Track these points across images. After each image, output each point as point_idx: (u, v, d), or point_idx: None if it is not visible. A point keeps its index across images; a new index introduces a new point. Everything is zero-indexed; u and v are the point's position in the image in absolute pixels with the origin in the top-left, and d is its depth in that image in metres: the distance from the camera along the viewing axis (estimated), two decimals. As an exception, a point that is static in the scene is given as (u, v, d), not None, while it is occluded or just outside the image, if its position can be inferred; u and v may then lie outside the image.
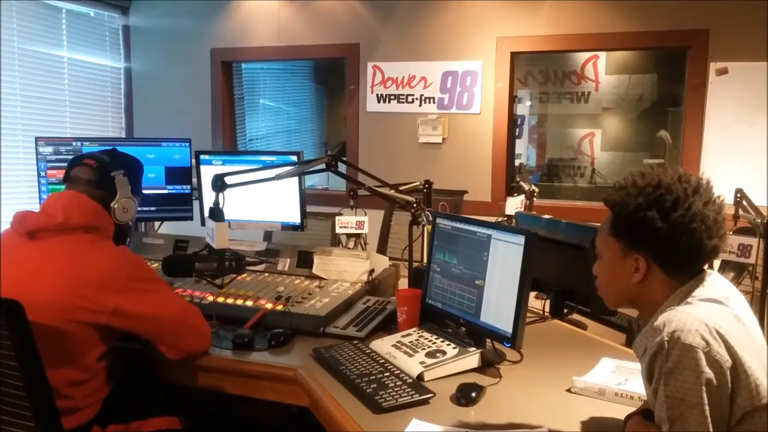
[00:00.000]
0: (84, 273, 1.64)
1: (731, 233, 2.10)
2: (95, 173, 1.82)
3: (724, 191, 1.26)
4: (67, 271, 1.64)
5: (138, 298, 1.68)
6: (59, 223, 1.69)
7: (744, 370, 1.14)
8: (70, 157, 1.99)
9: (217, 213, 1.96)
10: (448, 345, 1.83)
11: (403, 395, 1.55)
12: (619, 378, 1.65)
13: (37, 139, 2.95)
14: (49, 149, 2.92)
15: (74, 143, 2.97)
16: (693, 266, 1.25)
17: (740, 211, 2.67)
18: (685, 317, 1.15)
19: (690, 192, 1.20)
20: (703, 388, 1.11)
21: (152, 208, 2.97)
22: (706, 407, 1.11)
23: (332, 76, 6.63)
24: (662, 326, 1.16)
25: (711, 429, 1.12)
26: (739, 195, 2.69)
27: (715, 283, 1.24)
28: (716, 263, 1.36)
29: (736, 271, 2.34)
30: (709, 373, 1.11)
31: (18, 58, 4.26)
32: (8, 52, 4.19)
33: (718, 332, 1.13)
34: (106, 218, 1.80)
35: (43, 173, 2.92)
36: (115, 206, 1.84)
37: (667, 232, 1.20)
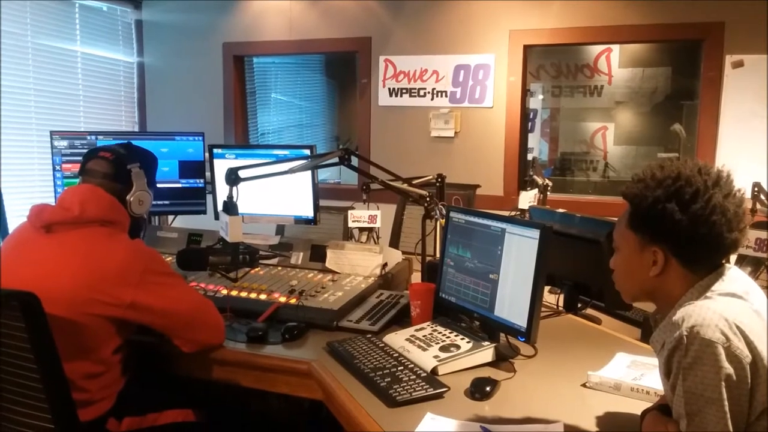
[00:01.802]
0: (100, 266, 1.65)
1: (749, 227, 2.07)
2: (112, 166, 1.83)
3: (739, 185, 1.24)
4: (83, 264, 1.65)
5: (154, 292, 1.69)
6: (76, 216, 1.70)
7: (763, 365, 1.12)
8: (85, 150, 2.00)
9: (231, 207, 1.96)
10: (462, 339, 1.83)
11: (417, 389, 1.55)
12: (634, 373, 1.64)
13: (52, 133, 2.97)
14: (64, 143, 2.94)
15: (89, 137, 2.98)
16: (712, 260, 1.23)
17: (758, 205, 2.65)
18: (705, 312, 1.14)
19: (710, 184, 1.19)
20: (723, 383, 1.10)
21: (166, 202, 2.98)
22: (726, 403, 1.10)
23: (344, 70, 6.63)
24: (681, 321, 1.15)
25: (730, 425, 1.11)
26: (756, 189, 2.66)
27: (735, 277, 1.23)
28: (732, 257, 1.34)
29: (753, 265, 2.31)
30: (728, 368, 1.10)
31: (32, 52, 4.29)
32: (22, 47, 4.22)
33: (737, 327, 1.12)
34: (122, 212, 1.81)
35: (58, 167, 2.94)
36: (131, 199, 1.85)
37: (687, 224, 1.18)
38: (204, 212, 3.06)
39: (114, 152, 1.87)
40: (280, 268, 2.47)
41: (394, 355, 1.76)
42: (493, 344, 1.79)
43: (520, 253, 1.76)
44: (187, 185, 3.02)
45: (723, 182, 1.20)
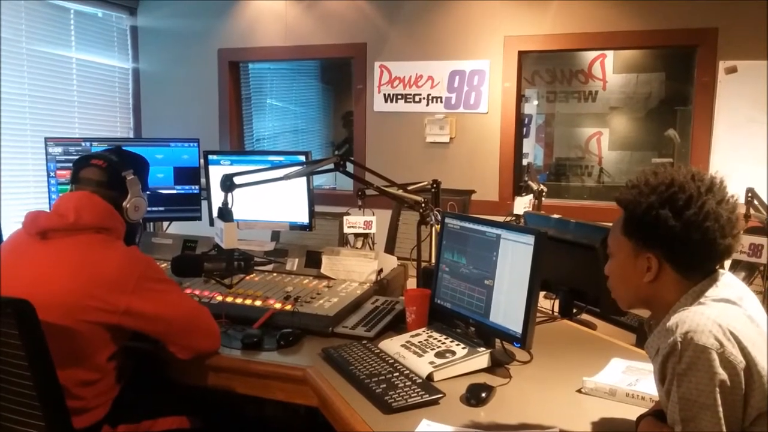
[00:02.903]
0: (95, 273, 1.64)
1: (742, 233, 2.09)
2: (105, 174, 1.83)
3: (733, 190, 1.25)
4: (78, 271, 1.64)
5: (149, 299, 1.69)
6: (71, 223, 1.69)
7: (757, 371, 1.13)
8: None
9: (226, 213, 1.96)
10: (457, 345, 1.83)
11: (412, 395, 1.55)
12: (629, 378, 1.64)
13: (46, 139, 2.96)
14: (59, 149, 2.94)
15: (83, 143, 2.98)
16: (706, 266, 1.24)
17: (751, 211, 2.66)
18: (699, 318, 1.15)
19: (703, 191, 1.20)
20: (717, 389, 1.10)
21: (161, 208, 2.98)
22: (720, 408, 1.11)
23: (339, 75, 6.63)
24: (675, 327, 1.15)
25: (724, 430, 1.11)
26: (750, 194, 2.68)
27: (729, 283, 1.23)
28: (727, 263, 1.35)
29: (748, 270, 2.32)
30: (722, 374, 1.10)
31: (26, 58, 4.28)
32: (17, 52, 4.21)
33: (731, 333, 1.13)
34: (117, 218, 1.81)
35: (52, 173, 2.93)
36: (128, 206, 1.85)
37: (680, 230, 1.19)
38: (199, 218, 3.05)
39: (106, 159, 1.86)
40: (275, 274, 2.47)
41: (390, 361, 1.76)
42: (489, 350, 1.79)
43: (515, 258, 1.77)
44: (182, 191, 3.01)
45: (716, 188, 1.21)
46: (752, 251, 2.25)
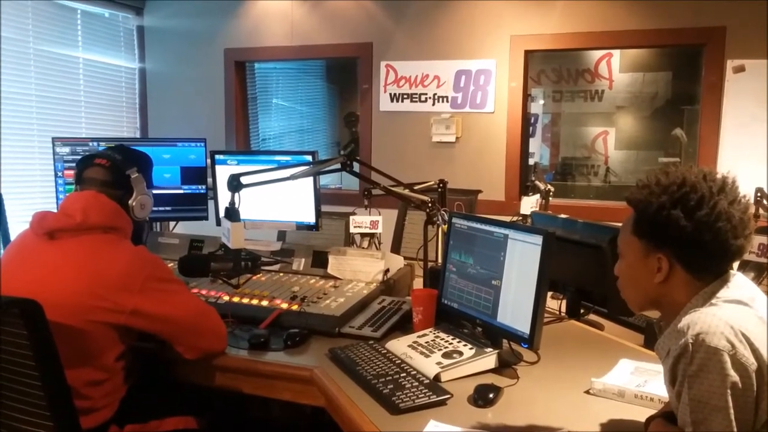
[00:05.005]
0: (103, 273, 1.65)
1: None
2: (110, 173, 1.83)
3: (742, 191, 1.24)
4: (86, 271, 1.65)
5: (156, 299, 1.69)
6: (78, 223, 1.70)
7: (769, 373, 1.12)
8: (85, 157, 1.99)
9: (233, 213, 1.96)
10: (464, 345, 1.82)
11: (420, 396, 1.54)
12: (638, 379, 1.63)
13: (53, 139, 2.97)
14: (66, 149, 2.94)
15: (91, 143, 2.98)
16: (717, 266, 1.23)
17: (761, 210, 2.65)
18: (710, 319, 1.14)
19: (715, 191, 1.18)
20: (728, 391, 1.10)
21: (168, 208, 2.97)
22: (731, 411, 1.10)
23: (345, 75, 6.64)
24: (686, 328, 1.14)
25: (735, 432, 1.10)
26: (759, 194, 2.66)
27: (740, 284, 1.22)
28: (735, 263, 1.34)
29: (757, 271, 2.31)
30: (734, 376, 1.10)
31: (33, 58, 4.29)
32: (24, 52, 4.22)
33: (743, 334, 1.12)
34: (124, 218, 1.81)
35: (60, 173, 2.93)
36: (134, 204, 1.85)
37: (692, 231, 1.18)
38: (206, 218, 3.05)
39: (109, 158, 1.86)
40: (281, 274, 2.47)
41: (397, 361, 1.76)
42: (496, 351, 1.78)
43: (522, 259, 1.76)
44: (189, 191, 3.01)
45: (728, 188, 1.20)
46: (761, 251, 2.24)
